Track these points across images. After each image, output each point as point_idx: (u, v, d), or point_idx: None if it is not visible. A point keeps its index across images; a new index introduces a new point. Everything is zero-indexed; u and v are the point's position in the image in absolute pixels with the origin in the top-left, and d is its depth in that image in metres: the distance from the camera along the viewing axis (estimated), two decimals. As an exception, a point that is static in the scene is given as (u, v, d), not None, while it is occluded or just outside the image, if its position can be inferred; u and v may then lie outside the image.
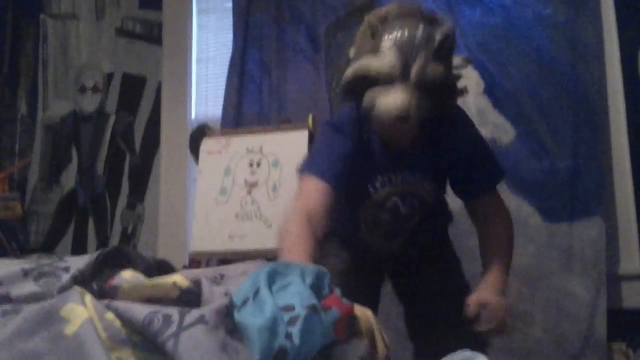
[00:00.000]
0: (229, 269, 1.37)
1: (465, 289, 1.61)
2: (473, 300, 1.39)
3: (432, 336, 1.59)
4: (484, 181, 1.59)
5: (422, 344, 1.65)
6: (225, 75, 2.87)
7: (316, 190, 1.42)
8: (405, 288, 1.75)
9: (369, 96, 1.35)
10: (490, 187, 1.60)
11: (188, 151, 2.90)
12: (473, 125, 1.62)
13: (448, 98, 1.40)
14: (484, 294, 1.40)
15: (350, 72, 1.39)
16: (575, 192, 2.35)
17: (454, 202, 1.77)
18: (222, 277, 1.30)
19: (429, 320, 1.61)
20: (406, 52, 1.31)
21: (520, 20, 2.52)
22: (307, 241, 1.32)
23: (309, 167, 1.51)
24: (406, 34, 1.32)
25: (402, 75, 1.30)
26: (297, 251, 1.29)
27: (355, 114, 1.51)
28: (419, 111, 1.32)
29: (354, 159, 1.49)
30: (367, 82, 1.35)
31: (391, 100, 1.30)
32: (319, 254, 1.34)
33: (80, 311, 0.83)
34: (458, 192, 1.66)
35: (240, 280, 1.20)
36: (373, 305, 1.67)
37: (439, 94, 1.34)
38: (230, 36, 2.92)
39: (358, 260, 1.66)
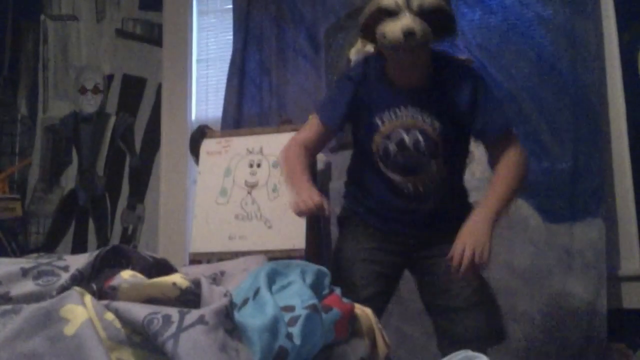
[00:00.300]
0: (230, 265, 1.37)
1: (483, 280, 1.75)
2: (456, 247, 1.59)
3: (452, 327, 1.71)
4: (492, 125, 1.73)
5: (443, 334, 1.75)
6: (225, 75, 2.87)
7: (314, 128, 1.84)
8: (426, 281, 1.82)
9: (379, 28, 1.63)
10: (500, 132, 1.73)
11: (188, 152, 2.90)
12: (481, 77, 1.80)
13: (446, 24, 1.68)
14: (458, 240, 1.59)
15: (365, 11, 1.68)
16: (575, 192, 2.35)
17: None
18: (223, 273, 1.30)
19: (450, 311, 1.71)
20: None
21: (520, 20, 2.52)
22: (304, 162, 1.78)
23: (317, 108, 1.92)
24: None
25: (405, 6, 1.59)
26: (298, 170, 1.74)
27: (364, 58, 1.84)
28: (422, 32, 1.58)
29: (361, 98, 1.77)
30: (378, 19, 1.63)
31: (398, 22, 1.59)
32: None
33: (80, 311, 0.83)
34: (474, 136, 1.81)
35: (240, 277, 1.20)
36: (388, 292, 1.79)
37: (438, 21, 1.62)
38: (230, 37, 2.92)
39: (380, 243, 1.80)
